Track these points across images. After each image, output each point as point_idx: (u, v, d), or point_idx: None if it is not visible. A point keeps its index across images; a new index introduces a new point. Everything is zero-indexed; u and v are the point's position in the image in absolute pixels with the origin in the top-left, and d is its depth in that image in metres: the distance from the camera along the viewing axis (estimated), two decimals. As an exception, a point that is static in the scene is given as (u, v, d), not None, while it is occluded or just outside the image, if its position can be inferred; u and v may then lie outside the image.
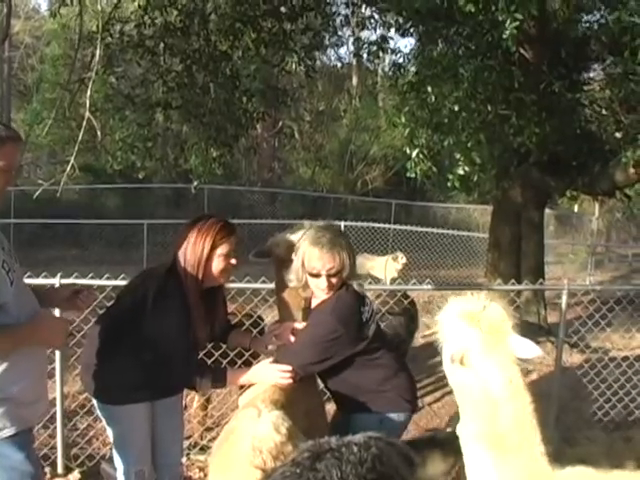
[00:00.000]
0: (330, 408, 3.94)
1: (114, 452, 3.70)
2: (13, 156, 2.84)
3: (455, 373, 2.70)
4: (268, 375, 3.41)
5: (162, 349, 3.34)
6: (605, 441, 6.04)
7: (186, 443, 5.50)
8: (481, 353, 2.58)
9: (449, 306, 2.80)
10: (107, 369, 3.47)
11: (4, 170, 2.79)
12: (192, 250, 3.37)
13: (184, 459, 5.23)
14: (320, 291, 3.51)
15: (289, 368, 3.38)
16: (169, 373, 3.45)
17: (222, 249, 3.42)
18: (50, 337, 2.94)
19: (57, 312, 4.10)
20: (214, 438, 4.99)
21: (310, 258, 3.45)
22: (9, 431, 2.83)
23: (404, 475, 1.67)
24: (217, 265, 3.43)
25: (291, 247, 3.66)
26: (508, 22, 6.21)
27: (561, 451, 5.16)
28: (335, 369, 3.53)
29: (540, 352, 2.60)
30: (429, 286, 5.87)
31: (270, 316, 6.20)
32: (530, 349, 2.59)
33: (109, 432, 3.66)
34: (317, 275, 3.46)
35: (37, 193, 7.30)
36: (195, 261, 3.37)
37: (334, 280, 3.47)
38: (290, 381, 3.37)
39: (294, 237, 3.73)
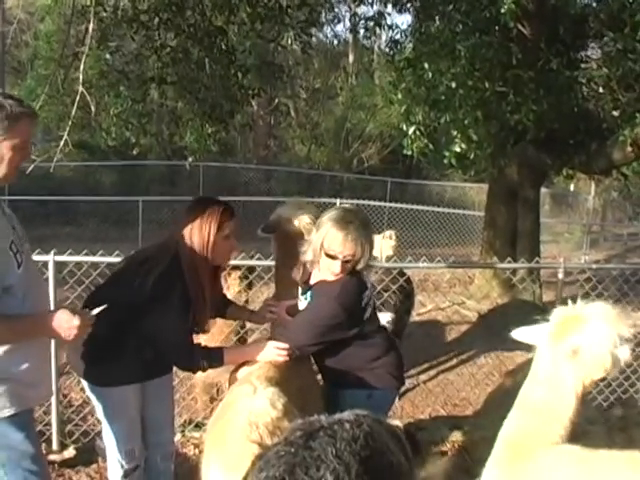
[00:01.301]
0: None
1: (104, 431, 3.69)
2: (28, 132, 2.83)
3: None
4: (265, 353, 3.41)
5: (160, 336, 3.33)
6: (600, 419, 6.06)
7: (181, 420, 5.50)
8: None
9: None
10: (97, 351, 3.44)
11: (20, 147, 2.79)
12: (199, 233, 3.36)
13: (179, 436, 5.24)
14: (330, 273, 3.49)
15: (286, 346, 3.38)
16: (165, 357, 3.45)
17: (226, 231, 3.42)
18: (61, 332, 2.88)
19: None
20: (209, 415, 4.99)
21: (332, 240, 3.41)
22: (9, 411, 2.83)
23: (394, 451, 1.67)
24: (222, 247, 3.43)
25: (305, 225, 3.66)
26: (506, -3, 6.18)
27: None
28: (330, 349, 3.53)
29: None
30: (425, 264, 5.86)
31: (265, 293, 6.19)
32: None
33: (98, 412, 3.64)
34: (333, 257, 3.44)
35: (30, 169, 7.24)
36: (203, 244, 3.36)
37: (348, 266, 3.45)
38: (286, 359, 3.37)
39: (304, 215, 3.72)
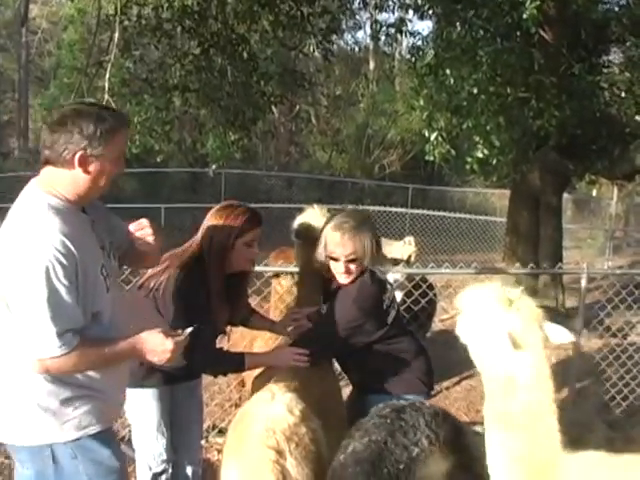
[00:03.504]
0: (348, 391, 3.94)
1: (133, 435, 3.72)
2: (124, 143, 2.80)
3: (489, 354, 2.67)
4: (286, 359, 3.42)
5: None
6: (622, 426, 6.02)
7: (205, 426, 5.53)
8: (519, 339, 2.57)
9: (483, 290, 2.78)
10: None
11: (118, 159, 2.73)
12: (218, 236, 3.37)
13: (203, 442, 5.26)
14: (339, 275, 3.51)
15: (306, 352, 3.38)
16: (189, 360, 3.46)
17: (247, 238, 3.42)
18: (154, 356, 2.79)
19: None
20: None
21: (331, 243, 3.46)
22: (95, 428, 2.80)
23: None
24: (241, 253, 3.43)
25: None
26: (528, 2, 6.18)
27: (578, 435, 5.14)
28: (353, 352, 3.53)
29: (573, 338, 2.64)
30: (447, 270, 5.85)
31: (288, 299, 6.19)
32: (564, 335, 2.61)
33: (128, 415, 3.67)
34: (336, 259, 3.46)
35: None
36: (220, 247, 3.37)
37: (352, 266, 3.47)
38: (307, 365, 3.38)
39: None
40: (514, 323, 2.61)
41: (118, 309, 2.88)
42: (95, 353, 2.68)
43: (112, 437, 2.97)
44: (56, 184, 2.65)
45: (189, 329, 2.87)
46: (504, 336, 2.57)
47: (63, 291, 2.52)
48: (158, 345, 2.75)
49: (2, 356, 2.75)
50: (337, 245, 3.44)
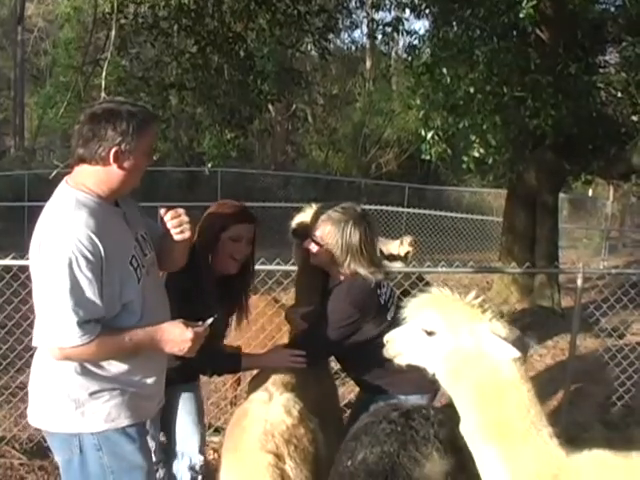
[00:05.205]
0: (344, 391, 3.93)
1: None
2: (154, 137, 2.88)
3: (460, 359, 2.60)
4: (282, 360, 3.41)
5: None
6: (618, 426, 6.02)
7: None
8: (493, 339, 2.52)
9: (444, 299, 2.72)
10: None
11: (149, 153, 2.80)
12: (205, 230, 3.41)
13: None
14: (314, 257, 3.53)
15: (303, 353, 3.37)
16: (184, 359, 3.44)
17: (231, 232, 3.41)
18: (174, 346, 2.81)
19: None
20: (228, 420, 5.00)
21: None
22: (123, 422, 2.82)
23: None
24: (225, 248, 3.42)
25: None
26: (525, 2, 6.17)
27: (575, 436, 5.15)
28: (358, 352, 3.48)
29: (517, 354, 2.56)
30: (444, 268, 5.84)
31: (284, 299, 6.18)
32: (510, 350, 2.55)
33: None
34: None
35: (53, 174, 7.34)
36: (206, 241, 3.39)
37: (315, 247, 3.48)
38: (303, 366, 3.37)
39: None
40: (499, 327, 2.56)
41: (155, 298, 2.92)
42: (115, 343, 2.72)
43: (142, 433, 2.99)
44: (87, 180, 2.72)
45: (209, 320, 2.89)
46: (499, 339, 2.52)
47: (85, 283, 2.59)
48: (178, 335, 2.79)
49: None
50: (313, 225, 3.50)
